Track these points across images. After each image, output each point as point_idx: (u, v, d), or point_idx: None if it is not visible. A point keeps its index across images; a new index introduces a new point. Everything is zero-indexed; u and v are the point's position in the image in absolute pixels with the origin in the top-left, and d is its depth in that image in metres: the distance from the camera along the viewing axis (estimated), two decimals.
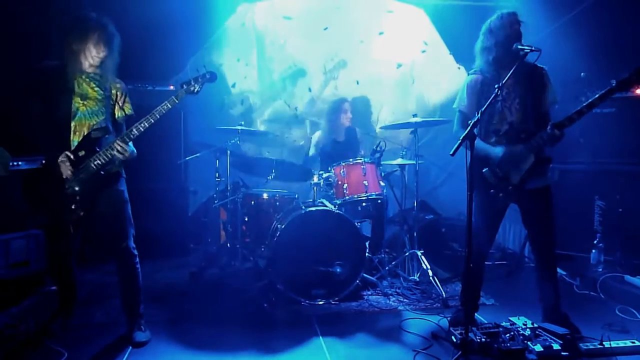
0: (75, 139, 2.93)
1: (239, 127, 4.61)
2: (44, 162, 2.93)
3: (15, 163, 3.90)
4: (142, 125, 2.92)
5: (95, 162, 2.90)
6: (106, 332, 3.22)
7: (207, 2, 5.31)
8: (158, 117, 2.94)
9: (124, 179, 3.13)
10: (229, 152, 4.68)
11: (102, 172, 2.93)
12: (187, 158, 5.02)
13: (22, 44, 4.40)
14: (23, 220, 3.94)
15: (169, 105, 2.95)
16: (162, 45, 5.01)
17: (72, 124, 2.93)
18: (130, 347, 3.02)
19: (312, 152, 5.25)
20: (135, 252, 3.13)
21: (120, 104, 3.11)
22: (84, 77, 2.98)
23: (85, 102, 2.96)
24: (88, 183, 2.91)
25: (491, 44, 3.09)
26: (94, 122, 2.96)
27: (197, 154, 4.88)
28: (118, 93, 3.09)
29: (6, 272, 3.72)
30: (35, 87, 2.95)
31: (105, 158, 2.91)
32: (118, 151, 2.89)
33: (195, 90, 3.04)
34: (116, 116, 3.10)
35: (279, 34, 5.89)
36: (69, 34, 2.91)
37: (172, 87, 5.16)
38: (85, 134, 2.93)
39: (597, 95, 2.80)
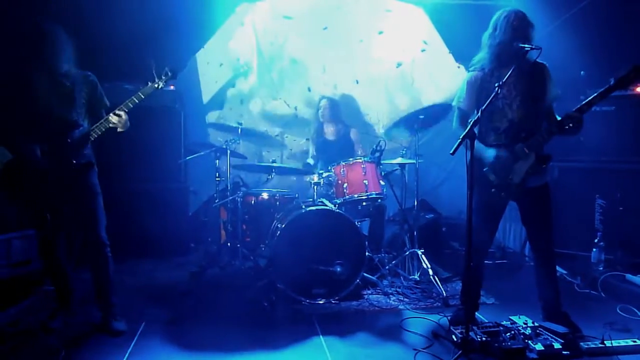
0: (50, 133, 3.03)
1: (239, 126, 4.61)
2: (18, 155, 3.03)
3: None
4: (122, 109, 3.09)
5: (67, 153, 3.01)
6: (104, 332, 3.19)
7: (206, 2, 5.31)
8: (131, 106, 3.11)
9: (96, 171, 3.22)
10: (229, 151, 4.68)
11: (74, 162, 3.04)
12: (187, 158, 5.02)
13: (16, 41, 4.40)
14: (24, 219, 3.94)
15: (135, 100, 3.11)
16: (161, 45, 5.00)
17: (47, 119, 3.02)
18: (131, 346, 3.01)
19: (311, 151, 5.28)
20: (107, 241, 3.21)
21: (97, 96, 3.20)
22: (53, 74, 3.05)
23: (57, 99, 3.03)
24: (61, 173, 3.02)
25: (495, 42, 3.06)
26: (64, 115, 3.05)
27: (197, 154, 4.88)
28: (90, 86, 3.17)
29: (7, 271, 3.72)
30: (8, 82, 3.05)
31: (78, 149, 3.04)
32: (116, 117, 3.05)
33: (159, 86, 3.23)
34: (93, 107, 3.19)
35: (278, 34, 5.89)
36: (29, 39, 3.01)
37: (172, 87, 5.16)
38: (56, 127, 3.02)
39: (596, 94, 2.81)
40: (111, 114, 3.07)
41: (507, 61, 2.98)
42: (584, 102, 2.84)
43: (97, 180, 3.22)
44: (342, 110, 5.30)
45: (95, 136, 3.08)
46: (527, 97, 3.07)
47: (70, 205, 3.15)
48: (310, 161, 5.18)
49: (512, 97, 3.09)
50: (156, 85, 3.21)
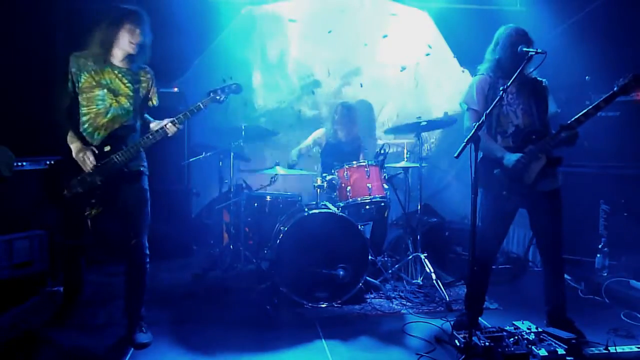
0: (105, 135, 2.95)
1: (243, 128, 4.62)
2: (67, 155, 2.93)
3: (19, 164, 3.91)
4: (181, 120, 3.02)
5: (120, 159, 2.92)
6: (108, 333, 3.20)
7: (211, 4, 5.32)
8: (190, 116, 3.04)
9: (147, 177, 3.13)
10: (232, 154, 4.68)
11: (125, 169, 2.96)
12: (191, 159, 5.02)
13: (26, 45, 4.43)
14: (27, 220, 3.94)
15: (194, 111, 3.03)
16: (166, 47, 4.99)
17: (104, 120, 2.95)
18: (132, 349, 3.01)
19: (305, 144, 5.20)
20: (147, 252, 3.12)
21: (150, 96, 3.15)
22: (116, 72, 2.98)
23: (117, 99, 2.97)
24: (110, 178, 2.92)
25: (496, 57, 3.17)
26: (125, 120, 2.99)
27: (201, 156, 4.88)
28: (147, 85, 3.11)
29: (10, 272, 3.72)
30: (63, 82, 2.98)
31: (130, 155, 2.94)
32: (174, 128, 3.00)
33: (221, 99, 3.13)
34: (149, 104, 3.16)
35: (283, 37, 5.90)
36: (102, 25, 2.91)
37: (176, 89, 5.17)
38: (114, 130, 2.95)
39: (601, 99, 2.91)
40: (169, 124, 2.99)
41: (510, 74, 2.99)
42: (590, 107, 2.91)
43: (147, 187, 3.10)
44: (358, 115, 5.23)
45: (145, 146, 2.99)
46: (529, 108, 3.16)
47: (113, 212, 3.01)
48: (294, 155, 5.14)
49: (516, 105, 3.16)
50: (217, 97, 3.10)
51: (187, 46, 5.24)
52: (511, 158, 3.04)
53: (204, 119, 5.70)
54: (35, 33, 4.47)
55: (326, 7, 5.85)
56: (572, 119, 2.96)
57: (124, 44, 2.93)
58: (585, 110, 2.93)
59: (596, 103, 2.91)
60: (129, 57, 3.00)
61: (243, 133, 4.72)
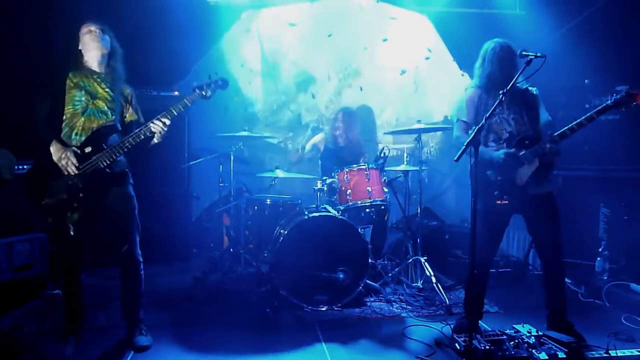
0: (82, 135, 2.95)
1: (243, 132, 4.62)
2: (48, 160, 2.91)
3: (20, 167, 3.92)
4: (166, 116, 3.00)
5: (102, 159, 2.91)
6: (108, 336, 3.20)
7: (211, 8, 5.34)
8: (175, 113, 3.02)
9: (132, 185, 3.13)
10: (232, 157, 4.69)
11: (107, 170, 2.94)
12: (191, 163, 5.03)
13: (24, 47, 4.45)
14: (27, 223, 3.95)
15: (180, 108, 3.02)
16: (166, 51, 5.04)
17: (81, 119, 2.97)
18: (132, 352, 3.00)
19: (307, 149, 5.23)
20: (140, 258, 3.12)
21: (131, 111, 3.19)
22: (94, 77, 3.05)
23: (94, 101, 3.00)
24: (93, 180, 2.91)
25: (487, 72, 3.25)
26: (103, 121, 3.00)
27: (201, 159, 4.89)
28: (127, 97, 3.16)
29: (10, 275, 3.72)
30: (44, 87, 3.04)
31: (113, 156, 2.93)
32: (160, 124, 2.97)
33: (207, 95, 3.10)
34: (126, 120, 3.16)
35: (283, 41, 5.92)
36: (70, 35, 3.02)
37: (176, 93, 5.18)
38: (93, 130, 2.96)
39: (594, 110, 3.02)
40: (153, 121, 2.96)
41: (502, 86, 3.02)
42: (584, 117, 3.01)
43: (133, 192, 3.08)
44: (358, 120, 5.20)
45: (129, 146, 2.94)
46: (520, 117, 3.22)
47: (100, 216, 2.98)
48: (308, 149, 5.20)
49: (507, 114, 3.24)
50: (204, 93, 3.07)
51: (187, 50, 5.26)
52: (500, 155, 3.12)
53: (204, 123, 5.73)
54: (35, 35, 4.49)
55: (326, 11, 5.87)
56: (565, 127, 3.02)
57: (87, 48, 3.02)
58: (579, 121, 3.01)
59: (589, 115, 3.00)
60: (104, 62, 3.07)
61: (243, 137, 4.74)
